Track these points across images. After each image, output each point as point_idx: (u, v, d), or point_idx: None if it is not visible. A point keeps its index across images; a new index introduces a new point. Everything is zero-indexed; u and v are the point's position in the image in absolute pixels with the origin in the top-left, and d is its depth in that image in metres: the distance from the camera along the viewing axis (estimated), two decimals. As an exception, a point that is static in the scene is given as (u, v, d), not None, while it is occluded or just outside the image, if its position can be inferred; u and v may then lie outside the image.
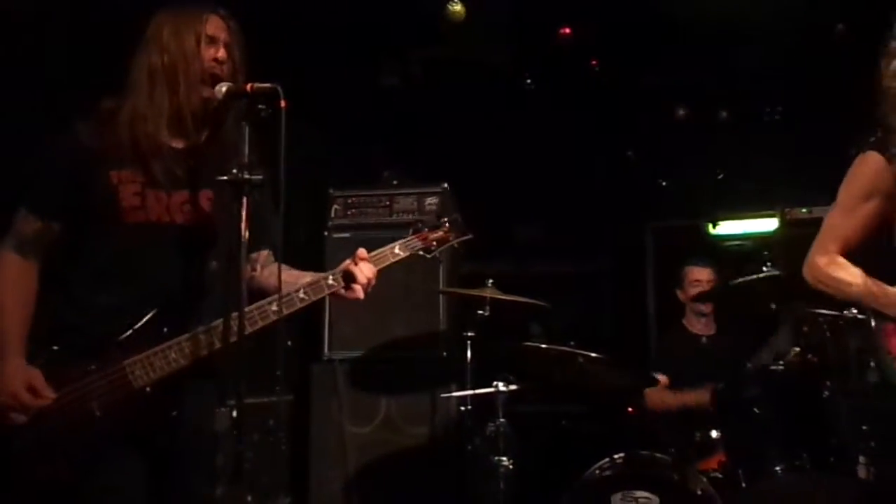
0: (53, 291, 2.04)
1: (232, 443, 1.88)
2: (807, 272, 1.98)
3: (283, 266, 2.10)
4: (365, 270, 2.08)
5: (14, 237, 2.02)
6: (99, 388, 1.92)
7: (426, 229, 2.24)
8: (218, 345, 1.94)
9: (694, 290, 3.98)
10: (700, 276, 4.03)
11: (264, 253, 2.21)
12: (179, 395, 1.98)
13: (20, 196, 2.05)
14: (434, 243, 2.23)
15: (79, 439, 1.90)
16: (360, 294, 2.09)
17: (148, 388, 1.94)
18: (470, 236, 2.32)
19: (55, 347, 1.95)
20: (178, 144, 2.06)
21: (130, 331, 1.95)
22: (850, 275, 1.91)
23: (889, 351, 1.82)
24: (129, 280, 1.99)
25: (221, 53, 2.04)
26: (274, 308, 2.00)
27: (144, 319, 1.97)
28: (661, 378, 3.78)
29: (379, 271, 2.12)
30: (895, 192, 1.89)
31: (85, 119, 2.04)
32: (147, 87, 2.02)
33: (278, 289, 1.98)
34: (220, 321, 1.91)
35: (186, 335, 1.96)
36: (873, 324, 1.87)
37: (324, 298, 3.89)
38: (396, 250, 2.17)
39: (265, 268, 2.19)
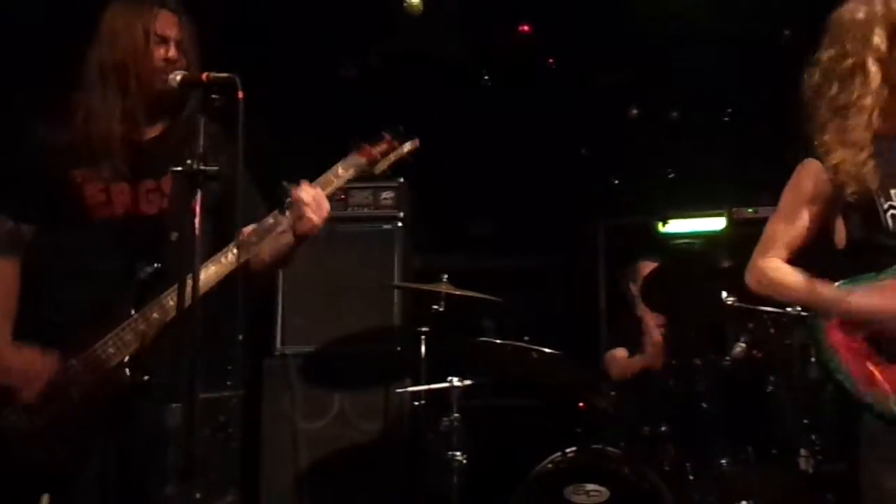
0: (31, 290, 2.03)
1: (184, 439, 1.85)
2: (749, 276, 2.02)
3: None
4: (308, 190, 1.96)
5: None
6: (77, 374, 1.90)
7: (366, 144, 2.09)
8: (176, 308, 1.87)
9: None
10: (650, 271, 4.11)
11: (247, 230, 2.14)
12: (154, 381, 1.95)
13: None
14: (378, 156, 2.09)
15: (69, 425, 1.89)
16: (312, 216, 1.94)
17: (125, 362, 1.91)
18: (416, 143, 2.16)
19: (36, 345, 1.93)
20: (136, 136, 2.04)
21: (100, 315, 1.93)
22: (793, 278, 1.96)
23: (831, 346, 1.88)
24: (100, 273, 1.98)
25: (172, 53, 2.00)
26: (229, 258, 1.93)
27: (113, 302, 1.94)
28: (619, 351, 3.86)
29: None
30: (835, 197, 1.94)
31: (43, 118, 2.02)
32: (99, 84, 1.99)
33: (237, 237, 1.90)
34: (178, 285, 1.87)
35: (150, 303, 1.94)
36: (816, 321, 1.92)
37: (278, 288, 3.82)
38: (339, 171, 2.04)
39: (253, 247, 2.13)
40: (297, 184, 2.00)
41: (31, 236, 2.03)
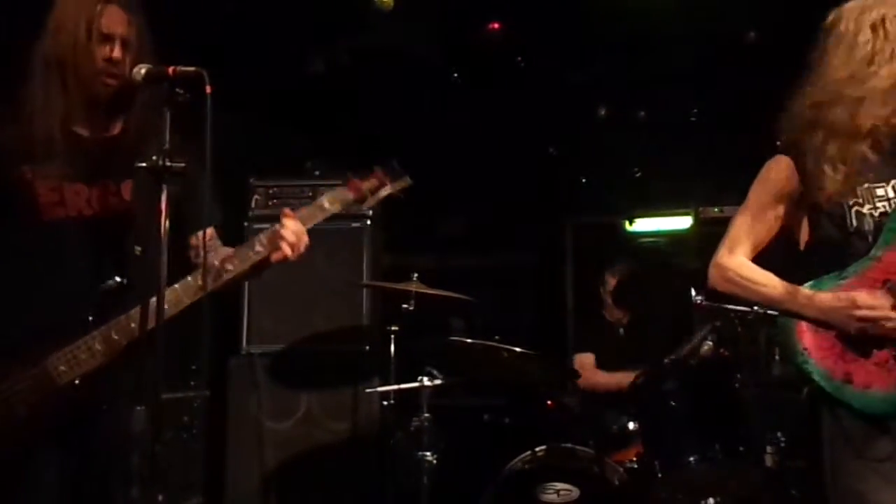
0: None
1: (147, 442, 1.81)
2: (713, 272, 1.99)
3: (220, 244, 2.03)
4: (291, 226, 1.92)
5: None
6: (24, 390, 1.82)
7: (356, 179, 2.05)
8: (140, 331, 1.81)
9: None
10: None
11: (206, 234, 2.08)
12: (108, 388, 1.89)
13: None
14: (367, 193, 2.06)
15: (5, 441, 1.80)
16: (289, 252, 1.91)
17: (76, 382, 1.83)
18: (409, 182, 2.13)
19: None
20: (89, 134, 1.96)
21: (53, 327, 1.84)
22: (762, 276, 1.96)
23: (804, 348, 1.88)
24: (52, 277, 1.89)
25: (116, 53, 1.91)
26: (199, 283, 1.87)
27: (67, 313, 1.86)
28: (587, 357, 3.87)
29: (309, 232, 1.96)
30: (802, 196, 1.95)
31: None
32: (42, 78, 1.90)
33: (204, 263, 1.86)
34: (140, 306, 1.81)
35: (110, 323, 1.86)
36: (786, 323, 1.92)
37: (244, 285, 3.75)
38: (326, 205, 1.99)
39: (209, 253, 2.06)
40: (282, 213, 1.96)
41: None
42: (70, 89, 1.90)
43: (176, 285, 1.87)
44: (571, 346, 4.77)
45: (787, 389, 3.14)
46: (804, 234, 1.99)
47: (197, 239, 2.02)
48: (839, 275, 1.89)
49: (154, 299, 1.74)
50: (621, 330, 4.13)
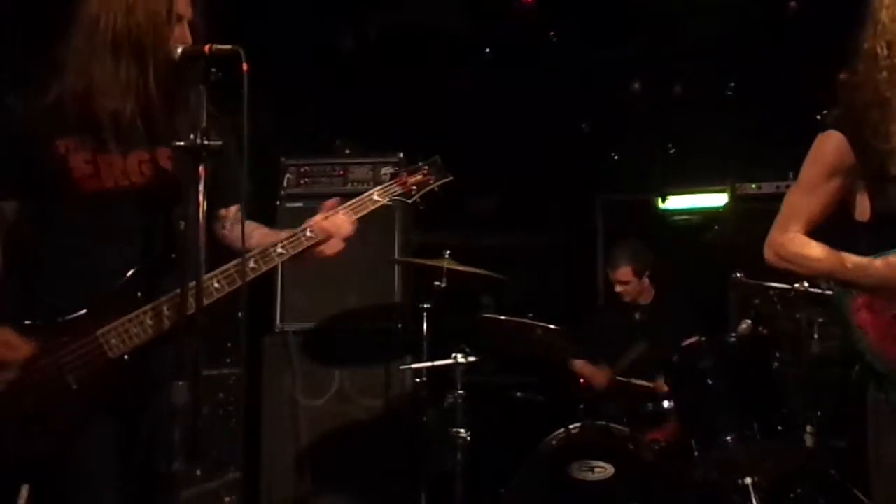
0: (21, 268, 1.95)
1: (189, 418, 1.83)
2: (769, 250, 1.98)
3: (253, 223, 2.05)
4: (343, 217, 1.99)
5: None
6: (74, 361, 1.84)
7: (405, 173, 2.15)
8: (193, 308, 1.81)
9: (621, 290, 4.01)
10: (621, 277, 4.01)
11: (233, 209, 2.10)
12: (155, 364, 1.90)
13: None
14: (414, 188, 2.14)
15: (57, 413, 1.83)
16: (340, 246, 1.99)
17: (126, 357, 1.86)
18: (451, 178, 2.21)
19: (27, 322, 1.86)
20: (131, 106, 1.94)
21: (103, 299, 1.86)
22: (816, 250, 1.93)
23: (858, 326, 1.85)
24: (95, 250, 1.91)
25: (188, 37, 1.92)
26: (252, 264, 1.91)
27: (117, 286, 1.88)
28: (580, 364, 3.84)
29: (358, 220, 2.03)
30: (856, 168, 1.91)
31: (22, 91, 1.93)
32: (111, 57, 1.89)
33: (245, 247, 1.90)
34: (193, 283, 1.81)
35: (162, 298, 1.88)
36: (843, 300, 1.89)
37: (276, 268, 3.79)
38: (375, 197, 2.06)
39: (235, 225, 2.08)
40: (335, 203, 2.03)
41: (14, 214, 1.94)
42: (148, 68, 1.89)
43: (228, 266, 1.90)
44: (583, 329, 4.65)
45: (828, 368, 3.09)
46: (863, 209, 1.95)
47: (227, 211, 2.06)
48: None
49: (202, 277, 1.76)
50: (637, 314, 4.04)
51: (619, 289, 4.01)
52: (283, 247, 1.96)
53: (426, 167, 2.18)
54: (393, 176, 2.14)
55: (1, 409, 1.82)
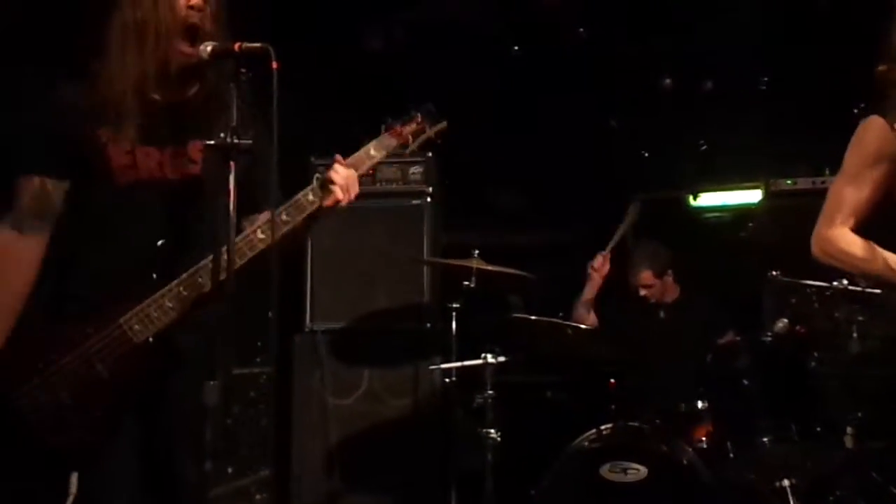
0: (56, 257, 1.97)
1: (219, 417, 1.83)
2: (815, 245, 1.95)
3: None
4: (342, 171, 1.97)
5: (13, 212, 1.96)
6: (102, 350, 1.87)
7: (398, 124, 2.10)
8: (209, 286, 1.85)
9: (645, 293, 3.97)
10: (644, 280, 3.98)
11: (265, 216, 2.11)
12: (179, 352, 1.92)
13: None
14: (410, 137, 2.11)
15: (92, 401, 1.86)
16: (340, 196, 1.95)
17: (150, 339, 1.88)
18: (445, 124, 2.18)
19: (58, 314, 1.90)
20: (162, 99, 1.98)
21: (120, 287, 1.89)
22: (862, 248, 1.88)
23: (906, 325, 1.79)
24: (125, 241, 1.93)
25: (206, 23, 1.93)
26: (260, 235, 1.90)
27: (132, 272, 1.90)
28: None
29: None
30: None
31: (69, 79, 1.97)
32: (120, 43, 1.93)
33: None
34: (208, 260, 1.85)
35: (179, 279, 1.89)
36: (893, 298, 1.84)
37: (307, 263, 3.81)
38: (371, 151, 2.05)
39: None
40: (331, 162, 1.99)
41: (60, 199, 1.96)
42: (150, 49, 1.91)
43: (237, 238, 1.88)
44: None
45: (868, 367, 3.01)
46: None
47: (254, 217, 2.04)
48: None
49: (233, 244, 1.76)
50: (662, 313, 4.00)
51: (643, 292, 3.99)
52: (286, 213, 1.94)
53: (419, 115, 2.13)
54: (387, 129, 2.09)
55: (37, 403, 1.84)
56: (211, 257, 1.83)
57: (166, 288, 1.88)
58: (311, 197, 1.96)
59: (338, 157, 1.99)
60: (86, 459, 1.88)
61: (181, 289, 1.88)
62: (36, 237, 1.96)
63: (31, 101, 2.04)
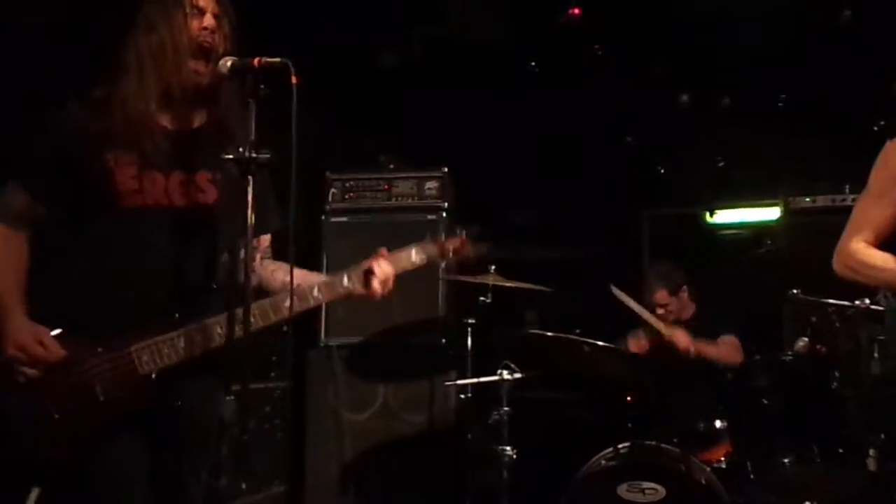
0: (53, 277, 1.98)
1: (234, 432, 1.83)
2: (837, 260, 1.94)
3: (275, 262, 2.11)
4: (385, 268, 2.05)
5: (2, 208, 1.98)
6: (104, 372, 1.86)
7: (444, 237, 2.25)
8: (222, 342, 1.87)
9: (662, 311, 3.95)
10: (659, 300, 3.97)
11: (265, 239, 2.13)
12: (184, 385, 1.92)
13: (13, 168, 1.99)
14: (449, 253, 2.23)
15: (84, 422, 1.85)
16: (378, 292, 2.04)
17: (153, 375, 1.88)
18: (485, 249, 2.32)
19: (59, 330, 1.89)
20: (172, 125, 1.99)
21: (139, 316, 1.88)
22: (883, 259, 1.88)
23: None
24: (134, 266, 1.93)
25: (209, 21, 1.95)
26: (286, 304, 1.94)
27: (156, 306, 1.90)
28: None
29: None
30: None
31: (80, 101, 1.97)
32: (135, 66, 1.95)
33: (270, 288, 2.00)
34: (229, 313, 1.83)
35: (197, 324, 1.89)
36: None
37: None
38: (413, 256, 2.14)
39: (265, 259, 2.12)
40: (376, 253, 2.09)
41: (47, 217, 1.97)
42: (167, 70, 1.93)
43: (265, 301, 1.94)
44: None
45: (889, 387, 2.96)
46: None
47: (258, 242, 2.08)
48: None
49: (240, 310, 1.77)
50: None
51: (660, 311, 3.96)
52: (318, 291, 2.02)
53: (465, 236, 2.27)
54: (432, 240, 2.21)
55: (27, 412, 1.84)
56: (230, 312, 1.81)
57: (183, 329, 1.89)
58: (346, 282, 2.04)
59: (383, 250, 2.09)
60: (58, 476, 1.87)
61: (196, 335, 1.89)
62: (24, 234, 1.99)
63: (41, 122, 2.04)
